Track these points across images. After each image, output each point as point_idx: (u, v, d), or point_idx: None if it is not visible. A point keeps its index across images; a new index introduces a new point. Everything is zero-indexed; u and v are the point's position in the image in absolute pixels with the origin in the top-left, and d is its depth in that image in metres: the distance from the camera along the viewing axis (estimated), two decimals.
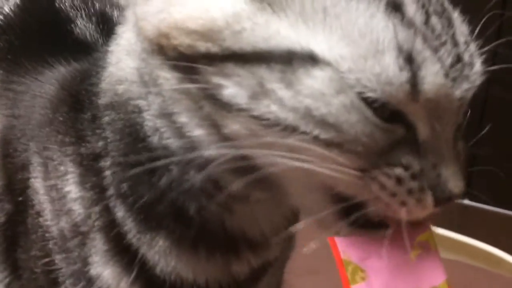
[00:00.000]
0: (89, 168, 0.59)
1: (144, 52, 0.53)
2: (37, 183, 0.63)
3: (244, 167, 0.50)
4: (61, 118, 0.62)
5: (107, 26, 0.76)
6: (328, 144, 0.46)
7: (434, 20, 0.47)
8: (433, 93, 0.46)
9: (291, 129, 0.46)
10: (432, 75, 0.45)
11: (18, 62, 0.71)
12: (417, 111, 0.46)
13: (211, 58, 0.47)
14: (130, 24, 0.56)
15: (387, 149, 0.47)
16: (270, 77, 0.46)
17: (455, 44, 0.47)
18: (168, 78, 0.50)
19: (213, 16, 0.47)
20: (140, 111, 0.55)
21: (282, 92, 0.46)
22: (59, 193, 0.60)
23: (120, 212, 0.58)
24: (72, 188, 0.60)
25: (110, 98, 0.57)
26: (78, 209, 0.59)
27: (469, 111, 0.51)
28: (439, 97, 0.46)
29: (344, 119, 0.45)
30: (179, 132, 0.52)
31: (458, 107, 0.48)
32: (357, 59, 0.45)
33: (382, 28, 0.45)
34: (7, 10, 0.75)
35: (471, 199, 1.60)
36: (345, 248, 0.49)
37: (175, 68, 0.49)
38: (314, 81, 0.45)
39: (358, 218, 0.49)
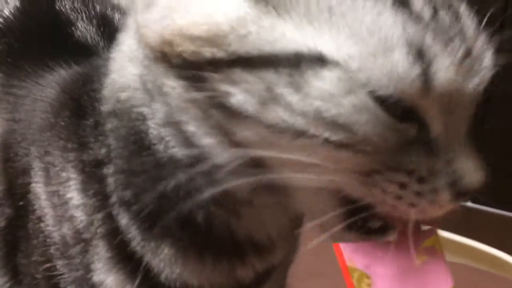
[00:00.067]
0: (92, 175, 0.58)
1: (146, 59, 0.52)
2: (38, 188, 0.62)
3: (255, 171, 0.49)
4: (62, 123, 0.61)
5: (108, 29, 0.75)
6: (338, 146, 0.45)
7: (442, 14, 0.46)
8: (445, 87, 0.45)
9: (301, 133, 0.45)
10: (443, 70, 0.45)
11: (18, 65, 0.70)
12: (429, 107, 0.46)
13: (217, 64, 0.46)
14: (131, 31, 0.56)
15: (397, 151, 0.46)
16: (278, 82, 0.45)
17: (464, 38, 0.46)
18: (173, 87, 0.49)
19: (218, 21, 0.46)
20: (144, 118, 0.54)
21: (291, 96, 0.45)
22: (61, 199, 0.60)
23: (123, 219, 0.57)
24: (74, 195, 0.59)
25: (113, 105, 0.57)
26: (80, 215, 0.59)
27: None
28: (451, 92, 0.45)
29: (355, 119, 0.44)
30: (187, 141, 0.51)
31: (470, 101, 0.47)
32: (366, 57, 0.44)
33: (390, 24, 0.44)
34: (7, 13, 0.75)
35: (475, 202, 1.59)
36: (351, 255, 0.48)
37: (181, 76, 0.49)
38: (323, 82, 0.44)
39: (363, 224, 0.48)
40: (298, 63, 0.45)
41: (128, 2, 0.55)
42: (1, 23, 0.74)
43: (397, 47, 0.44)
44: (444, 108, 0.46)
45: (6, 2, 0.75)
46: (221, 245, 0.57)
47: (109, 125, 0.57)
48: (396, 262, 0.48)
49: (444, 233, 1.26)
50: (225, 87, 0.47)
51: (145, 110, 0.54)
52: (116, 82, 0.57)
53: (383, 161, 0.46)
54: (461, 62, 0.46)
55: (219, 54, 0.46)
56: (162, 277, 0.57)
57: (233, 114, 0.47)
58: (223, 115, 0.48)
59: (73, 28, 0.75)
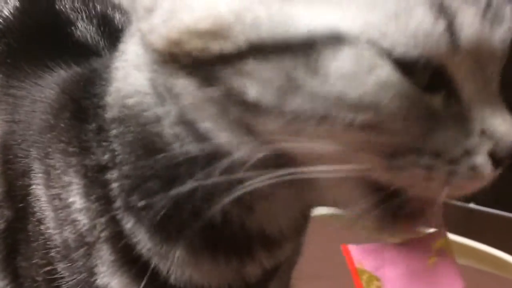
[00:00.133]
0: (94, 180, 0.57)
1: (155, 64, 0.51)
2: (39, 190, 0.61)
3: (279, 166, 0.47)
4: (63, 125, 0.61)
5: (108, 29, 0.75)
6: (362, 127, 0.43)
7: None
8: (472, 40, 0.43)
9: (324, 118, 0.43)
10: (468, 21, 0.43)
11: (18, 66, 0.70)
12: (457, 66, 0.44)
13: (227, 58, 0.45)
14: (135, 39, 0.54)
15: (425, 129, 0.44)
16: (294, 67, 0.43)
17: None
18: (185, 86, 0.48)
19: (221, 12, 0.45)
20: (157, 120, 0.53)
21: (310, 80, 0.43)
22: (63, 203, 0.59)
23: (128, 224, 0.56)
24: (76, 199, 0.58)
25: (118, 112, 0.56)
26: (83, 219, 0.58)
27: None
28: (478, 45, 0.44)
29: (379, 97, 0.42)
30: (202, 138, 0.50)
31: (497, 55, 0.46)
32: (387, 21, 0.42)
33: None
34: (6, 13, 0.74)
35: (477, 203, 1.59)
36: (360, 256, 0.48)
37: (192, 74, 0.47)
38: (342, 61, 0.42)
39: (394, 210, 0.47)
40: (313, 45, 0.42)
41: (128, 3, 0.54)
42: (0, 23, 0.73)
43: (418, 4, 0.42)
44: (472, 65, 0.44)
45: (6, 2, 0.74)
46: (233, 242, 0.56)
47: (114, 131, 0.56)
48: (406, 264, 0.47)
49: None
50: (239, 81, 0.45)
51: (158, 110, 0.52)
52: (121, 90, 0.56)
53: (409, 142, 0.44)
54: (485, 12, 0.44)
55: (228, 46, 0.45)
56: (172, 279, 0.56)
57: (252, 107, 0.45)
58: (241, 110, 0.46)
59: (73, 28, 0.74)
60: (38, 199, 0.61)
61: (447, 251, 0.49)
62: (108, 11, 0.77)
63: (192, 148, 0.51)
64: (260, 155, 0.47)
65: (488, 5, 0.44)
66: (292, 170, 0.46)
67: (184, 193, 0.52)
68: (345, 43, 0.42)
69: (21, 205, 0.63)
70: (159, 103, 0.52)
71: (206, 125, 0.49)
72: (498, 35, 0.44)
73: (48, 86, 0.66)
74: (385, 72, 0.42)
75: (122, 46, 0.57)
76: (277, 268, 0.62)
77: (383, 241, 0.49)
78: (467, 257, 1.32)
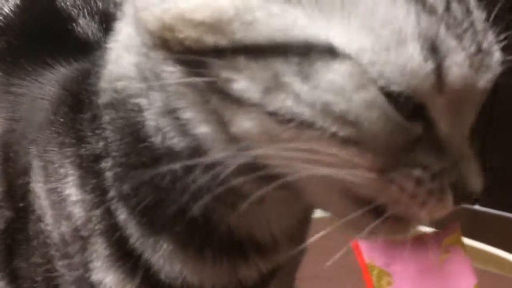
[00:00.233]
0: (89, 170, 0.56)
1: (144, 47, 0.50)
2: (38, 188, 0.60)
3: (256, 168, 0.47)
4: (61, 119, 0.60)
5: (110, 25, 0.74)
6: (346, 141, 0.43)
7: (455, 6, 0.45)
8: (459, 83, 0.43)
9: (306, 125, 0.43)
10: (457, 65, 0.43)
11: (18, 64, 0.69)
12: (440, 104, 0.44)
13: (220, 52, 0.44)
14: (128, 18, 0.53)
15: (406, 148, 0.45)
16: (286, 70, 0.43)
17: (475, 32, 0.45)
18: (172, 72, 0.47)
19: (222, 5, 0.44)
20: (140, 110, 0.52)
21: (299, 85, 0.43)
22: (60, 196, 0.58)
23: (122, 215, 0.55)
24: (72, 191, 0.57)
25: (110, 97, 0.55)
26: (78, 212, 0.57)
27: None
28: (463, 88, 0.44)
29: (364, 116, 0.43)
30: (183, 129, 0.49)
31: (478, 98, 0.46)
32: (379, 50, 0.42)
33: (404, 16, 0.43)
34: (6, 11, 0.73)
35: (481, 205, 1.58)
36: (370, 252, 0.47)
37: (181, 62, 0.47)
38: (333, 75, 0.42)
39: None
40: (308, 53, 0.43)
41: None
42: (0, 20, 0.73)
43: (411, 41, 0.42)
44: (453, 106, 0.45)
45: (6, 0, 0.74)
46: (221, 243, 0.55)
47: (107, 117, 0.55)
48: (417, 259, 0.46)
49: None
50: (227, 74, 0.45)
51: (141, 101, 0.52)
52: (113, 72, 0.55)
53: (393, 158, 0.44)
54: (474, 57, 0.44)
55: (223, 42, 0.44)
56: (162, 275, 0.55)
57: (233, 100, 0.45)
58: (222, 101, 0.46)
59: (73, 25, 0.74)
60: (37, 197, 0.60)
61: (459, 247, 0.48)
62: (110, 8, 0.76)
63: (175, 143, 0.50)
64: (237, 159, 0.46)
65: (478, 51, 0.44)
66: (269, 174, 0.46)
67: (166, 185, 0.52)
68: (338, 59, 0.43)
69: (21, 204, 0.62)
70: (144, 90, 0.51)
71: (186, 115, 0.48)
72: (482, 82, 0.45)
73: (48, 83, 0.65)
74: (371, 94, 0.43)
75: (117, 25, 0.56)
76: (276, 271, 0.61)
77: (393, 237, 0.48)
78: (472, 258, 1.30)
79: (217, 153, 0.48)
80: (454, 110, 0.45)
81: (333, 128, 0.43)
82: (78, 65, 0.66)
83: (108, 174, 0.56)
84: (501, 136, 1.51)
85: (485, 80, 0.45)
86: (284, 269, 0.63)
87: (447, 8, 0.44)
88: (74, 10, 0.75)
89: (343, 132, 0.43)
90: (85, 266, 0.57)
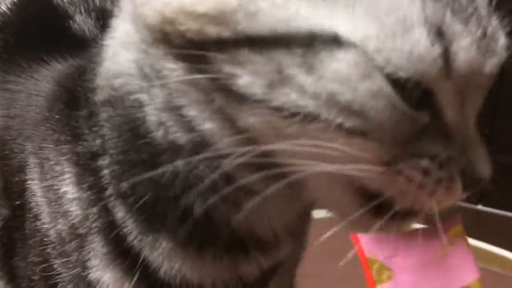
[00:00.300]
0: (86, 167, 0.56)
1: (143, 43, 0.49)
2: (34, 185, 0.60)
3: (262, 162, 0.46)
4: (56, 116, 0.59)
5: (107, 22, 0.73)
6: (351, 133, 0.43)
7: None
8: (466, 68, 0.43)
9: (312, 118, 0.43)
10: (464, 49, 0.43)
11: (14, 61, 0.69)
12: (447, 90, 0.44)
13: (222, 45, 0.44)
14: (126, 14, 0.53)
15: (413, 138, 0.44)
16: (290, 62, 0.43)
17: (480, 17, 0.45)
18: (174, 69, 0.47)
19: None
20: (141, 105, 0.51)
21: (303, 77, 0.42)
22: (56, 194, 0.58)
23: (120, 212, 0.54)
24: (69, 189, 0.57)
25: (107, 94, 0.54)
26: (75, 210, 0.56)
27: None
28: (470, 73, 0.44)
29: (370, 105, 0.42)
30: (188, 126, 0.48)
31: (485, 84, 0.46)
32: (385, 37, 0.42)
33: (409, 2, 0.42)
34: (3, 8, 0.73)
35: (484, 204, 1.58)
36: (370, 246, 0.46)
37: (182, 57, 0.46)
38: (338, 65, 0.42)
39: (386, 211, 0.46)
40: (312, 43, 0.42)
41: None
42: None
43: (417, 26, 0.42)
44: (459, 91, 0.44)
45: None
46: (221, 239, 0.55)
47: (104, 114, 0.55)
48: (418, 253, 0.45)
49: None
50: (230, 69, 0.44)
51: (142, 96, 0.51)
52: (110, 70, 0.54)
53: (399, 148, 0.44)
54: (480, 41, 0.44)
55: (226, 33, 0.43)
56: (161, 272, 0.55)
57: (238, 97, 0.44)
58: (227, 98, 0.45)
59: (70, 22, 0.73)
60: (34, 194, 0.60)
61: (461, 240, 0.48)
62: (107, 5, 0.76)
63: (178, 137, 0.50)
64: (243, 152, 0.46)
65: (483, 36, 0.44)
66: (274, 170, 0.46)
67: (166, 181, 0.51)
68: (343, 48, 0.42)
69: (17, 202, 0.61)
70: (144, 86, 0.51)
71: (190, 112, 0.48)
72: (488, 67, 0.45)
73: (43, 80, 0.65)
74: (377, 83, 0.42)
75: (113, 22, 0.56)
76: (277, 266, 0.60)
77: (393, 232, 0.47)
78: (475, 257, 1.30)
79: (223, 147, 0.47)
80: (461, 96, 0.45)
81: (339, 119, 0.43)
82: (73, 61, 0.66)
83: (105, 172, 0.55)
84: (505, 136, 1.50)
85: (491, 65, 0.45)
86: (285, 266, 0.62)
87: None
88: (71, 7, 0.74)
89: (349, 123, 0.43)
90: (83, 264, 0.57)
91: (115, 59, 0.54)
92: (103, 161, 0.55)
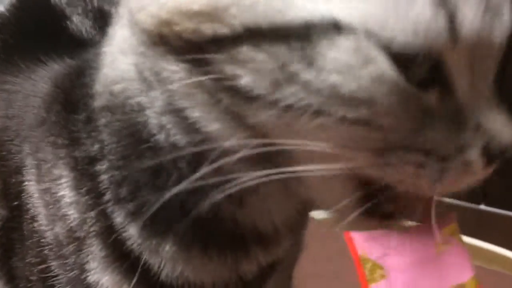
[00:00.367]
0: (84, 172, 0.56)
1: (142, 46, 0.49)
2: (31, 187, 0.60)
3: (265, 155, 0.45)
4: (54, 118, 0.59)
5: (105, 22, 0.74)
6: (356, 122, 0.42)
7: None
8: (472, 36, 0.41)
9: (317, 113, 0.42)
10: (471, 12, 0.41)
11: (12, 61, 0.69)
12: (456, 60, 0.42)
13: (220, 43, 0.43)
14: (123, 20, 0.52)
15: (418, 126, 0.43)
16: (291, 57, 0.41)
17: None
18: (175, 71, 0.46)
19: None
20: (141, 109, 0.51)
21: (305, 72, 0.41)
22: (53, 197, 0.57)
23: (119, 217, 0.54)
24: (66, 193, 0.57)
25: (106, 100, 0.54)
26: (73, 213, 0.56)
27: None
28: (477, 42, 0.42)
29: (374, 91, 0.41)
30: (191, 128, 0.48)
31: (496, 48, 0.44)
32: (387, 12, 0.40)
33: None
34: (2, 9, 0.74)
35: (486, 204, 1.57)
36: (363, 244, 0.46)
37: (182, 59, 0.45)
38: (338, 52, 0.40)
39: (377, 209, 0.45)
40: (309, 33, 0.41)
41: None
42: None
43: None
44: (469, 61, 0.43)
45: None
46: (225, 238, 0.54)
47: (103, 120, 0.54)
48: (412, 252, 0.45)
49: None
50: (231, 69, 0.43)
51: (142, 99, 0.51)
52: (108, 75, 0.54)
53: (401, 138, 0.43)
54: (486, 5, 0.42)
55: (222, 30, 0.43)
56: (163, 275, 0.55)
57: (244, 96, 0.43)
58: (233, 98, 0.44)
59: (68, 22, 0.73)
60: (31, 196, 0.60)
61: (456, 238, 0.47)
62: (105, 5, 0.76)
63: (179, 139, 0.49)
64: (251, 150, 0.45)
65: (488, 1, 0.42)
66: (281, 168, 0.45)
67: (170, 185, 0.50)
68: (342, 34, 0.41)
69: (15, 203, 0.61)
70: (144, 90, 0.50)
71: (195, 114, 0.47)
72: (497, 29, 0.43)
73: (41, 80, 0.65)
74: (381, 66, 0.41)
75: (110, 29, 0.55)
76: (275, 264, 0.60)
77: (387, 229, 0.47)
78: (477, 258, 1.28)
79: (230, 145, 0.46)
80: (471, 67, 0.43)
81: (343, 111, 0.41)
82: (71, 62, 0.66)
83: (104, 177, 0.55)
84: None
85: (499, 32, 0.43)
86: (283, 263, 0.62)
87: None
88: (69, 7, 0.75)
89: (353, 113, 0.41)
90: (81, 267, 0.56)
91: (113, 65, 0.53)
92: (101, 166, 0.55)
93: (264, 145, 0.45)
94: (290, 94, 0.42)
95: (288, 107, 0.42)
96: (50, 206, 0.58)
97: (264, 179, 0.45)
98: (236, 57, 0.43)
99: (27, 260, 0.60)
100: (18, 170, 0.61)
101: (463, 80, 0.43)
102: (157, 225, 0.53)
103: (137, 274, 0.54)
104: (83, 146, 0.56)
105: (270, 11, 0.41)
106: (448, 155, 0.44)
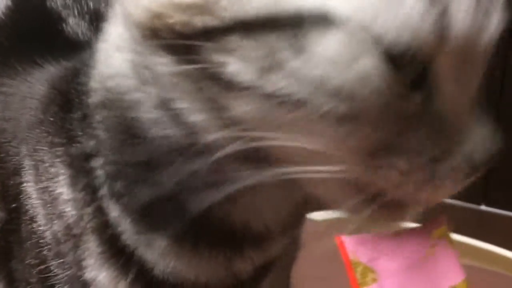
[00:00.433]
0: (80, 169, 0.56)
1: (135, 42, 0.49)
2: (29, 187, 0.60)
3: (253, 152, 0.46)
4: (51, 119, 0.60)
5: (100, 25, 0.74)
6: (341, 119, 0.41)
7: None
8: (462, 35, 0.41)
9: (302, 104, 0.41)
10: (462, 10, 0.41)
11: (8, 64, 0.69)
12: (444, 61, 0.42)
13: (211, 33, 0.43)
14: (117, 16, 0.53)
15: (402, 128, 0.43)
16: (280, 46, 0.41)
17: None
18: (164, 63, 0.46)
19: None
20: (136, 104, 0.51)
21: (293, 61, 0.41)
22: (51, 196, 0.58)
23: (114, 212, 0.55)
24: (63, 190, 0.57)
25: (101, 96, 0.55)
26: (70, 211, 0.57)
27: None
28: (468, 40, 0.42)
29: (361, 87, 0.40)
30: (178, 119, 0.48)
31: (483, 56, 0.44)
32: (379, 7, 0.40)
33: None
34: None
35: (488, 205, 1.57)
36: (354, 248, 0.46)
37: (171, 50, 0.46)
38: (328, 45, 0.40)
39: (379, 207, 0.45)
40: (300, 23, 0.41)
41: None
42: None
43: None
44: (458, 63, 0.43)
45: None
46: (217, 235, 0.55)
47: (98, 116, 0.55)
48: (403, 255, 0.45)
49: (456, 237, 1.24)
50: (219, 57, 0.43)
51: (137, 95, 0.51)
52: (103, 72, 0.54)
53: (386, 139, 0.43)
54: (477, 7, 0.42)
55: (213, 22, 0.43)
56: (157, 270, 0.55)
57: (228, 85, 0.43)
58: (217, 87, 0.44)
59: (63, 25, 0.74)
60: (29, 197, 0.60)
61: (447, 240, 0.47)
62: (101, 7, 0.76)
63: (171, 134, 0.49)
64: (237, 146, 0.45)
65: (478, 3, 0.42)
66: (271, 169, 0.45)
67: (162, 180, 0.51)
68: (333, 25, 0.40)
69: (13, 205, 0.62)
70: (138, 86, 0.51)
71: (181, 104, 0.47)
72: (486, 35, 0.43)
73: (37, 83, 0.65)
74: (371, 61, 0.40)
75: (105, 26, 0.56)
76: (271, 264, 0.60)
77: (379, 232, 0.47)
78: (478, 258, 1.30)
79: (214, 139, 0.46)
80: (461, 68, 0.43)
81: (329, 104, 0.41)
82: (67, 64, 0.66)
83: (99, 172, 0.56)
84: (508, 133, 1.49)
85: (489, 34, 0.43)
86: (281, 263, 0.62)
87: None
88: (64, 10, 0.75)
89: (338, 108, 0.41)
90: (78, 264, 0.57)
91: (108, 61, 0.54)
92: (97, 162, 0.56)
93: (247, 141, 0.45)
94: (273, 81, 0.42)
95: (270, 95, 0.42)
96: (48, 205, 0.58)
97: (256, 179, 0.46)
98: (224, 46, 0.43)
99: (26, 262, 0.61)
100: (16, 172, 0.62)
101: (449, 86, 0.43)
102: (150, 220, 0.54)
103: (133, 270, 0.55)
104: (78, 143, 0.57)
105: (261, 1, 0.41)
106: (433, 159, 0.44)
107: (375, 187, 0.45)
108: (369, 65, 0.40)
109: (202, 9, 0.43)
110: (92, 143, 0.56)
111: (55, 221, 0.58)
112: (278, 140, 0.44)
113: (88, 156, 0.56)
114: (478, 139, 0.44)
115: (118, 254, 0.56)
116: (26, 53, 0.69)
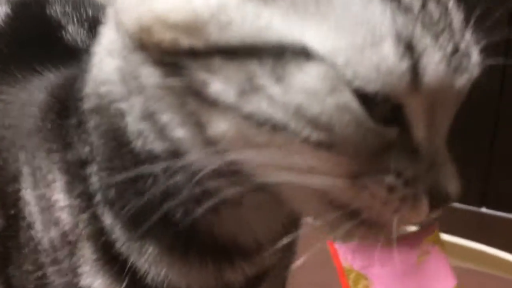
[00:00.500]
0: (76, 175, 0.57)
1: (125, 49, 0.50)
2: (28, 194, 0.61)
3: (233, 172, 0.47)
4: (49, 126, 0.60)
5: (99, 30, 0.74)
6: (318, 146, 0.43)
7: (431, 6, 0.44)
8: (435, 83, 0.43)
9: (279, 129, 0.43)
10: (434, 64, 0.42)
11: (8, 71, 0.69)
12: (416, 105, 0.43)
13: (195, 53, 0.44)
14: (111, 21, 0.53)
15: (380, 154, 0.44)
16: (261, 72, 0.43)
17: (452, 32, 0.44)
18: (150, 75, 0.47)
19: (196, 7, 0.44)
20: (122, 114, 0.52)
21: (273, 87, 0.42)
22: (48, 202, 0.58)
23: (108, 219, 0.55)
24: (60, 197, 0.58)
25: (94, 102, 0.55)
26: (66, 217, 0.57)
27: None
28: (440, 88, 0.43)
29: (337, 119, 0.42)
30: (162, 133, 0.49)
31: (455, 101, 0.46)
32: (354, 50, 0.42)
33: (379, 14, 0.42)
34: None
35: (488, 207, 1.57)
36: (347, 255, 0.46)
37: (158, 64, 0.46)
38: (306, 77, 0.42)
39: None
40: (282, 54, 0.42)
41: None
42: None
43: (386, 39, 0.42)
44: (429, 107, 0.44)
45: None
46: (205, 247, 0.55)
47: (92, 122, 0.55)
48: (395, 261, 0.45)
49: (456, 239, 1.24)
50: (202, 76, 0.44)
51: (123, 105, 0.52)
52: (96, 77, 0.55)
53: (366, 163, 0.44)
54: (451, 57, 0.43)
55: (198, 44, 0.44)
56: (149, 278, 0.55)
57: (210, 103, 0.45)
58: (198, 103, 0.45)
59: (63, 32, 0.74)
60: (27, 204, 0.60)
61: (438, 247, 0.48)
62: (99, 14, 0.76)
63: (154, 147, 0.50)
64: (213, 162, 0.46)
65: (455, 51, 0.44)
66: (249, 183, 0.46)
67: (148, 189, 0.51)
68: (312, 61, 0.42)
69: (12, 212, 0.62)
70: (125, 95, 0.51)
71: (164, 118, 0.48)
72: (458, 84, 0.44)
73: (36, 90, 0.66)
74: (344, 97, 0.42)
75: (101, 29, 0.56)
76: (264, 274, 0.60)
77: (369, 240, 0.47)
78: (479, 261, 1.29)
79: (193, 156, 0.47)
80: (431, 113, 0.44)
81: (306, 132, 0.43)
82: (66, 72, 0.67)
83: (94, 179, 0.56)
84: (508, 136, 1.49)
85: (462, 81, 0.44)
86: (275, 271, 0.62)
87: (423, 7, 0.44)
88: (64, 17, 0.75)
89: (316, 136, 0.43)
90: (74, 271, 0.57)
91: (101, 66, 0.54)
92: (91, 169, 0.56)
93: (226, 159, 0.46)
94: (253, 103, 0.43)
95: (249, 117, 0.43)
96: (45, 211, 0.59)
97: (234, 192, 0.47)
98: (208, 66, 0.44)
99: (23, 269, 0.61)
100: (15, 179, 0.62)
101: (421, 125, 0.44)
102: (139, 227, 0.54)
103: (126, 278, 0.55)
104: (74, 149, 0.57)
105: (246, 31, 0.43)
106: (409, 181, 0.45)
107: (353, 205, 0.46)
108: (342, 100, 0.42)
109: (189, 30, 0.44)
110: (87, 149, 0.56)
111: (52, 228, 0.58)
112: (257, 159, 0.45)
113: (83, 163, 0.56)
114: (445, 175, 0.46)
115: (113, 261, 0.56)
116: (25, 61, 0.70)
